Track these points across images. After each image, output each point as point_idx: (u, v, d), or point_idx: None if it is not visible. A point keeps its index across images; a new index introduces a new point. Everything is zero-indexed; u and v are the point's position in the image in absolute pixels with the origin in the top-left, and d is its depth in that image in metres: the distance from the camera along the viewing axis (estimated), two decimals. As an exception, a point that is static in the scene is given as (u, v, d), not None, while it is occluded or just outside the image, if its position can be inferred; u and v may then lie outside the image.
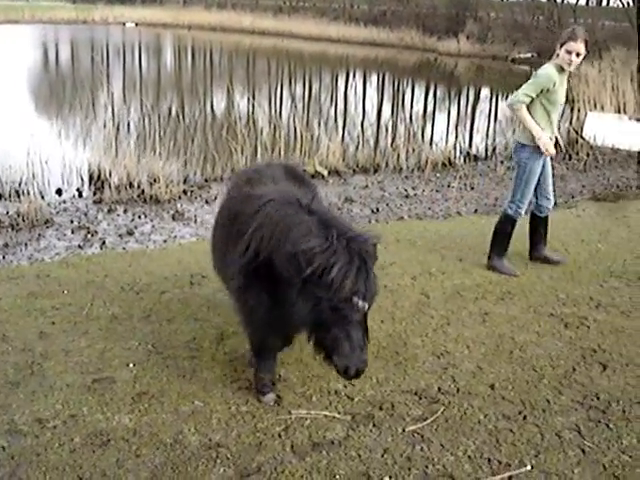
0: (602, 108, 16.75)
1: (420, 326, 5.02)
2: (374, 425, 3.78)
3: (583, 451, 3.67)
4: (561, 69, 5.83)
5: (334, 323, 3.23)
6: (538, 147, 5.86)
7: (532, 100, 5.87)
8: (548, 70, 5.80)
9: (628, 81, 18.21)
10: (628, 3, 36.01)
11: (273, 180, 4.09)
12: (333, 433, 3.72)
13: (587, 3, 54.47)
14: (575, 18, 42.83)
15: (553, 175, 6.47)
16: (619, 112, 16.71)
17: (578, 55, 5.68)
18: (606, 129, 14.95)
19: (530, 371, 4.45)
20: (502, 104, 24.14)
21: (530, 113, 5.89)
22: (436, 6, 47.23)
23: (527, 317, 5.27)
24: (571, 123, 16.38)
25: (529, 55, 38.04)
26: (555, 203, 9.62)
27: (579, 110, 16.75)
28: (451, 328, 5.01)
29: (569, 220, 8.31)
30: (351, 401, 4.02)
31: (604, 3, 57.99)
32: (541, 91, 5.81)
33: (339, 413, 3.89)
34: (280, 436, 3.67)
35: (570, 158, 13.33)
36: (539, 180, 6.17)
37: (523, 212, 6.31)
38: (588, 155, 13.30)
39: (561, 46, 5.71)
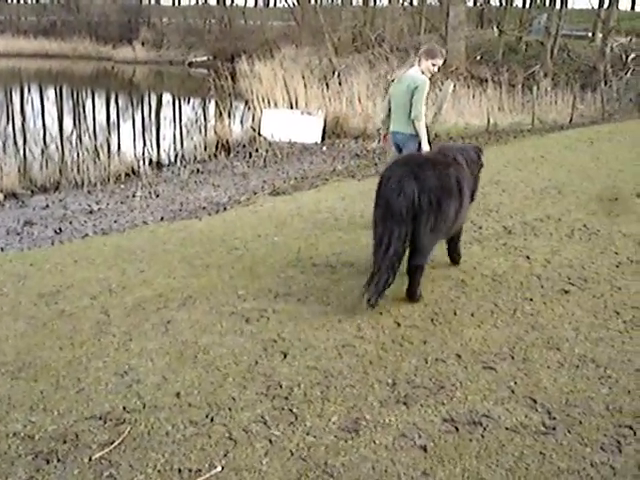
0: (276, 105, 17.66)
1: (101, 347, 4.84)
2: (59, 460, 3.59)
3: (270, 441, 3.78)
4: (422, 73, 6.98)
5: None
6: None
7: None
8: (424, 78, 6.89)
9: (299, 78, 19.37)
10: (294, 3, 38.40)
11: None
12: (15, 478, 3.49)
13: (255, 4, 57.07)
14: (245, 20, 44.73)
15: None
16: (292, 107, 17.75)
17: (438, 67, 6.98)
18: (281, 125, 15.81)
19: (215, 372, 4.49)
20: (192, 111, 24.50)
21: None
22: (107, 14, 46.63)
23: (209, 319, 5.30)
24: (253, 121, 17.03)
25: (205, 58, 39.12)
26: (239, 202, 9.99)
27: (255, 108, 17.49)
28: (133, 343, 4.90)
29: (247, 217, 8.57)
30: (32, 440, 3.78)
31: (271, 4, 61.20)
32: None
33: (19, 456, 3.66)
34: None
35: (251, 156, 13.89)
36: None
37: None
38: (267, 151, 13.96)
39: (428, 58, 6.88)
